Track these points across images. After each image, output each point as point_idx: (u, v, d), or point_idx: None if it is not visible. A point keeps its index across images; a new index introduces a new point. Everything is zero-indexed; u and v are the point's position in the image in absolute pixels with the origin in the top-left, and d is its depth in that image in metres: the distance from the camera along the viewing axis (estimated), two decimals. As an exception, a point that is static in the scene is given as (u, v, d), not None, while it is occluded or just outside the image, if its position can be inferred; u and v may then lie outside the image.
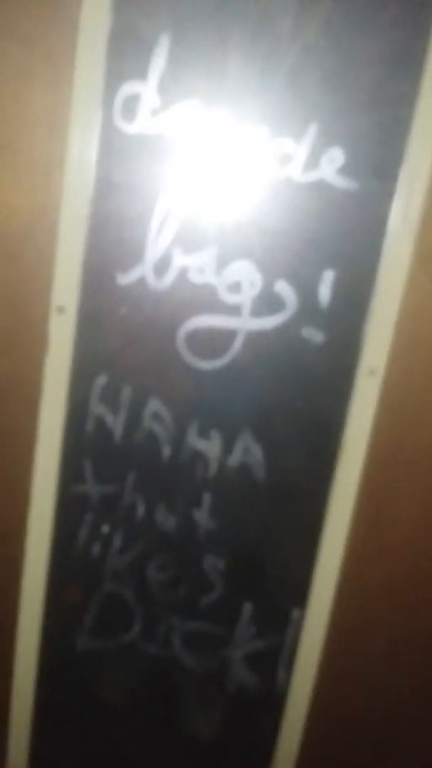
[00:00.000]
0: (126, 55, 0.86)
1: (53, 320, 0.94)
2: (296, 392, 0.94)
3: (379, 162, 0.87)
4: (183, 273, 0.91)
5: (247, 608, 1.02)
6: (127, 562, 1.02)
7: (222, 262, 0.91)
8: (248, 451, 0.95)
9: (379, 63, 0.84)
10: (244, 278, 0.91)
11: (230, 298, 0.91)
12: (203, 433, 0.96)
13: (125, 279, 0.93)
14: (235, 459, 0.96)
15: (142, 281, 0.92)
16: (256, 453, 0.95)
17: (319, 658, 1.02)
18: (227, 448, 0.96)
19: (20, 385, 0.97)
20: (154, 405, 0.96)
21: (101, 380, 0.96)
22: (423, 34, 0.83)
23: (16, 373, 0.97)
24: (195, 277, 0.91)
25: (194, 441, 0.96)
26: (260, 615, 1.02)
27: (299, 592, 1.00)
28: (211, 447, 0.96)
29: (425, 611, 1.00)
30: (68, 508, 1.00)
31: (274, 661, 1.04)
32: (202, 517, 0.98)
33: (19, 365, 0.97)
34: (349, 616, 1.01)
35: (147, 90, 0.87)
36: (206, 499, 0.98)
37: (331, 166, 0.87)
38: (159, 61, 0.86)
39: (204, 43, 0.85)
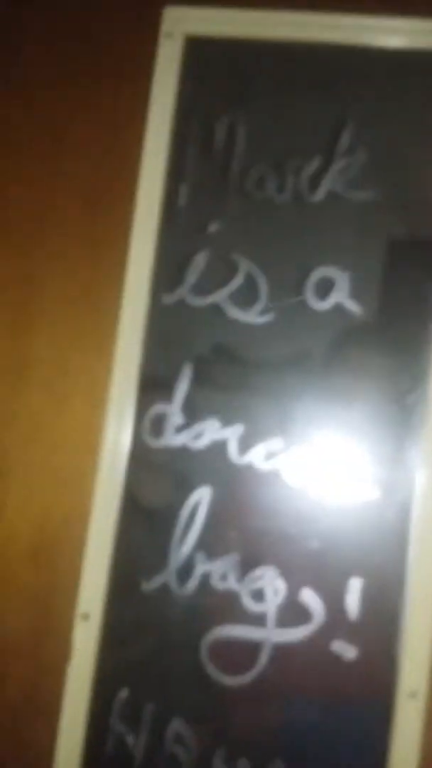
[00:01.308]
0: (155, 380, 0.95)
1: (78, 627, 0.92)
2: (330, 714, 0.86)
3: (396, 466, 0.89)
4: (205, 579, 0.91)
5: None
6: None
7: (245, 569, 0.90)
8: (280, 785, 0.85)
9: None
10: (268, 585, 0.89)
11: (254, 607, 0.89)
12: (230, 761, 0.87)
13: (149, 586, 0.92)
14: (266, 795, 0.85)
15: (165, 588, 0.92)
16: (289, 788, 0.85)
17: None
18: (257, 780, 0.86)
19: (40, 693, 0.93)
20: (177, 725, 0.89)
21: (123, 695, 0.91)
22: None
23: (38, 681, 0.93)
24: (218, 584, 0.90)
25: (220, 770, 0.87)
26: None
27: None
28: (239, 779, 0.86)
29: None
30: None
31: None
32: None
33: (40, 673, 0.93)
34: None
35: (172, 409, 0.95)
36: None
37: (351, 473, 0.89)
38: (183, 387, 0.94)
39: (220, 370, 0.94)
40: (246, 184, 0.96)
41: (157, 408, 0.95)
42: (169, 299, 0.97)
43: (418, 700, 0.84)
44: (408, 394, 0.89)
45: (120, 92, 1.02)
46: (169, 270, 0.97)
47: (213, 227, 0.96)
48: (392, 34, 0.94)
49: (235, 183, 0.96)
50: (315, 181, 0.94)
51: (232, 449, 0.92)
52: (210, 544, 0.91)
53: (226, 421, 0.93)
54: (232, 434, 0.93)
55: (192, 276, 0.96)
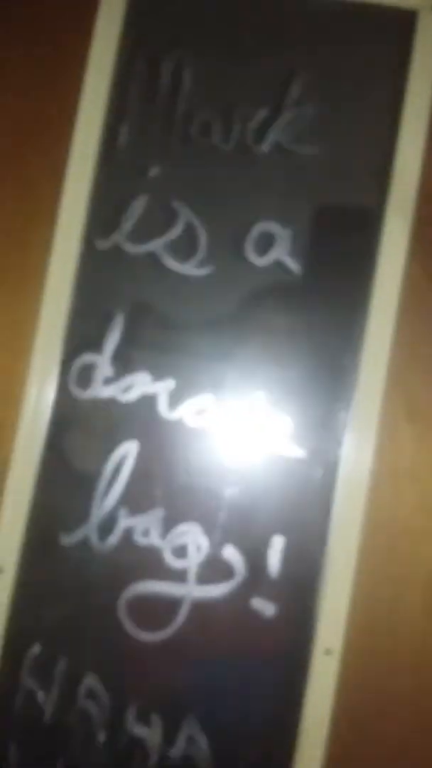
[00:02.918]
0: (84, 329, 0.91)
1: (-8, 581, 0.88)
2: (246, 671, 0.86)
3: (325, 427, 0.88)
4: (128, 534, 0.88)
5: None
6: None
7: (168, 525, 0.88)
8: (192, 741, 0.85)
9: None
10: (191, 542, 0.87)
11: (175, 563, 0.87)
12: (143, 717, 0.86)
13: (69, 539, 0.89)
14: (177, 750, 0.85)
15: (85, 542, 0.89)
16: (202, 744, 0.85)
17: None
18: (169, 736, 0.85)
19: None
20: (90, 681, 0.87)
21: (35, 650, 0.88)
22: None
23: None
24: (140, 539, 0.88)
25: (132, 726, 0.86)
26: None
27: None
28: (151, 734, 0.86)
29: None
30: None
31: None
32: None
33: None
34: None
35: (101, 361, 0.91)
36: (144, 798, 0.84)
37: (279, 433, 0.88)
38: (114, 337, 0.91)
39: (155, 323, 0.91)
40: (190, 128, 0.92)
41: (85, 358, 0.91)
42: (103, 244, 0.92)
43: (334, 657, 0.85)
44: (342, 355, 0.89)
45: (61, 26, 0.96)
46: (105, 214, 0.93)
47: (153, 171, 0.92)
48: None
49: (178, 127, 0.92)
50: (261, 132, 0.91)
51: (162, 404, 0.90)
52: (134, 499, 0.89)
53: (157, 376, 0.90)
54: (162, 389, 0.90)
55: (129, 221, 0.92)
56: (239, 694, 0.87)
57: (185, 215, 0.91)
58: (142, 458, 0.89)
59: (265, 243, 0.90)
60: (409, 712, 0.87)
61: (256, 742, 0.85)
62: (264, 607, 0.86)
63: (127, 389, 0.90)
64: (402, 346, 0.90)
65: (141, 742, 0.86)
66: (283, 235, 0.90)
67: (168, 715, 0.86)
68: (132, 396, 0.90)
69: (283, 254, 0.89)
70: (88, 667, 0.87)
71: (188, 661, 0.86)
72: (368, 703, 0.86)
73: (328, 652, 0.85)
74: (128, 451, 0.90)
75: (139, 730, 0.86)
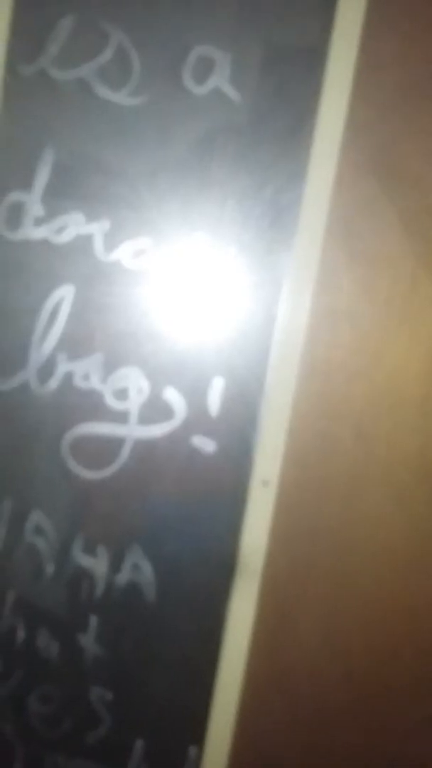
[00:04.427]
0: (10, 165, 0.86)
1: None
2: (188, 504, 0.89)
3: (265, 269, 0.87)
4: (68, 379, 0.88)
5: (139, 745, 0.93)
6: (5, 693, 0.92)
7: (108, 369, 0.88)
8: (137, 568, 0.89)
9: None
10: (132, 385, 0.88)
11: (117, 405, 0.88)
12: (89, 548, 0.90)
13: (7, 384, 0.88)
14: (123, 577, 0.90)
15: (24, 386, 0.88)
16: (146, 570, 0.89)
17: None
18: (115, 565, 0.89)
19: None
20: (36, 517, 0.90)
21: (-21, 492, 0.89)
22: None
23: None
24: (80, 384, 0.88)
25: (79, 557, 0.90)
26: (153, 753, 0.93)
27: (196, 727, 0.91)
28: (97, 564, 0.90)
29: (327, 747, 0.93)
30: None
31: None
32: (87, 642, 0.91)
33: None
34: (250, 752, 0.93)
35: (31, 199, 0.86)
36: (92, 622, 0.90)
37: (218, 274, 0.87)
38: (44, 174, 0.85)
39: (87, 158, 0.86)
40: None
41: (13, 197, 0.86)
42: (27, 70, 0.85)
43: (270, 487, 0.89)
44: (283, 194, 0.87)
45: None
46: (27, 36, 0.84)
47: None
48: None
49: None
50: None
51: (98, 246, 0.87)
52: (73, 344, 0.88)
53: (92, 216, 0.86)
54: (97, 230, 0.86)
55: (54, 45, 0.84)
56: (181, 524, 0.91)
57: (116, 38, 0.84)
58: (79, 302, 0.88)
59: (204, 69, 0.84)
60: (339, 537, 0.93)
61: (196, 568, 0.91)
62: (204, 444, 0.88)
63: (60, 230, 0.87)
64: (344, 187, 0.88)
65: (88, 572, 0.90)
66: (222, 61, 0.84)
67: (113, 545, 0.90)
68: (66, 238, 0.87)
69: (222, 81, 0.84)
70: (34, 504, 0.89)
71: (132, 496, 0.89)
72: (302, 529, 0.92)
73: (265, 483, 0.89)
74: (64, 295, 0.87)
75: (85, 561, 0.90)
